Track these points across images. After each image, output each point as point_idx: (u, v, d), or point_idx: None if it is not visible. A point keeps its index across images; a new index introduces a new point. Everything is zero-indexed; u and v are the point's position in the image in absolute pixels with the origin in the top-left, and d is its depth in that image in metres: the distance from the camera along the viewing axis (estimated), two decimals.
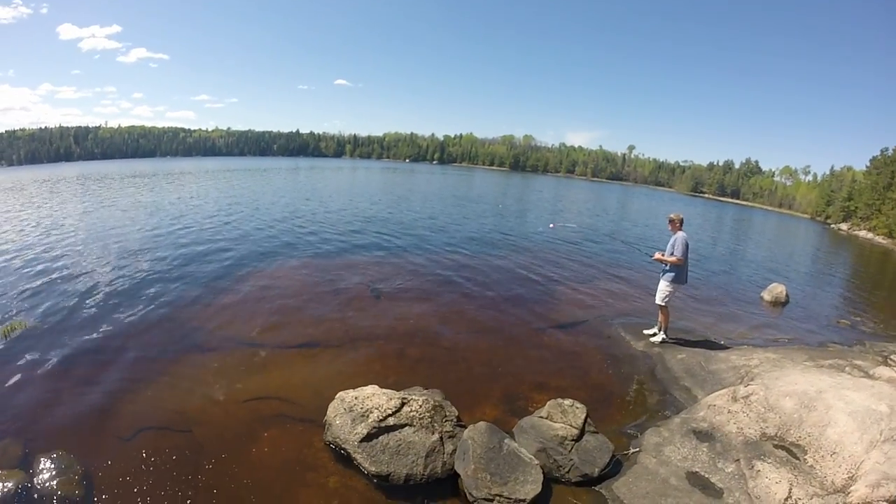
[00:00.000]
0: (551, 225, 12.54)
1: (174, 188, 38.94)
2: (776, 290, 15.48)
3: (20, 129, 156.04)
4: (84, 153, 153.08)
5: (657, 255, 9.72)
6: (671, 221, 9.64)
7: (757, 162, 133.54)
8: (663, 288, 9.58)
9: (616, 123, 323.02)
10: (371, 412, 5.80)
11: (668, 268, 9.55)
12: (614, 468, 5.89)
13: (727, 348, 9.80)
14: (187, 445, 5.71)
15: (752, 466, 5.76)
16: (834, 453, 5.76)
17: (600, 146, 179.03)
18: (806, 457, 5.89)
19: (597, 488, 5.64)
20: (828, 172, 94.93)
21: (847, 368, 8.68)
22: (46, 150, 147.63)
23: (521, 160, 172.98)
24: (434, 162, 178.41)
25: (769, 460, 5.82)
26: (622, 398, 7.83)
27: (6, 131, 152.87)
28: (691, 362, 8.95)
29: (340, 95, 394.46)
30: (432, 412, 6.03)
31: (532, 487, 5.25)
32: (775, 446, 6.13)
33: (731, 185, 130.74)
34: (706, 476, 5.75)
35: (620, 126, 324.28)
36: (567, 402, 6.43)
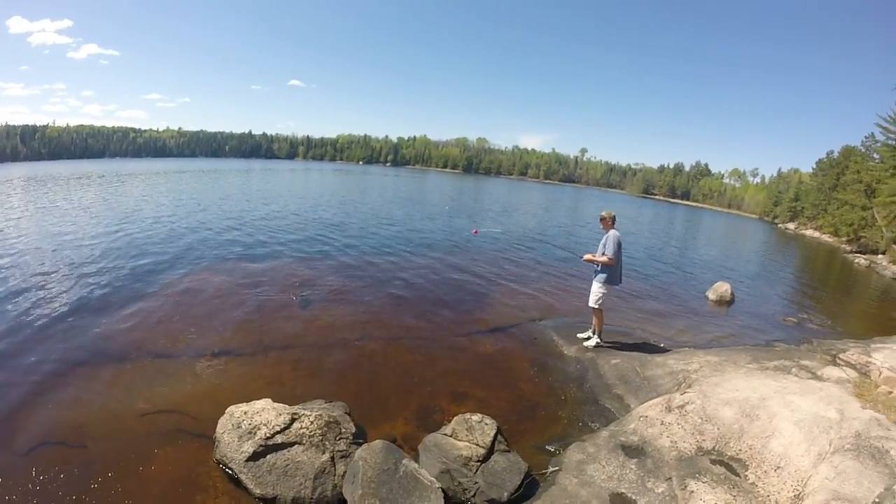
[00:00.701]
0: (474, 231, 11.69)
1: (119, 190, 37.14)
2: (721, 288, 15.12)
3: None
4: (31, 153, 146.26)
5: (587, 256, 9.08)
6: (602, 220, 8.99)
7: (707, 164, 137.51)
8: (596, 290, 8.90)
9: (569, 126, 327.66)
10: (259, 429, 5.27)
11: (599, 268, 8.89)
12: (528, 490, 5.15)
13: (666, 351, 9.18)
14: (80, 461, 5.32)
15: (686, 486, 5.03)
16: (778, 468, 5.10)
17: (553, 149, 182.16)
18: (747, 473, 5.20)
19: None
20: (775, 174, 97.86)
21: (794, 370, 8.14)
22: None
23: (475, 162, 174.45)
24: (387, 164, 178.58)
25: (705, 478, 5.12)
26: (548, 409, 7.05)
27: None
28: (625, 367, 8.24)
29: (294, 96, 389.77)
30: (324, 429, 5.44)
31: None
32: (713, 461, 5.43)
33: (681, 186, 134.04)
34: (633, 498, 4.98)
35: (573, 129, 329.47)
36: (475, 417, 5.65)
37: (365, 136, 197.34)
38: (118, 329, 8.92)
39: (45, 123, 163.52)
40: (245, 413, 5.50)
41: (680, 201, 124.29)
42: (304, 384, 7.23)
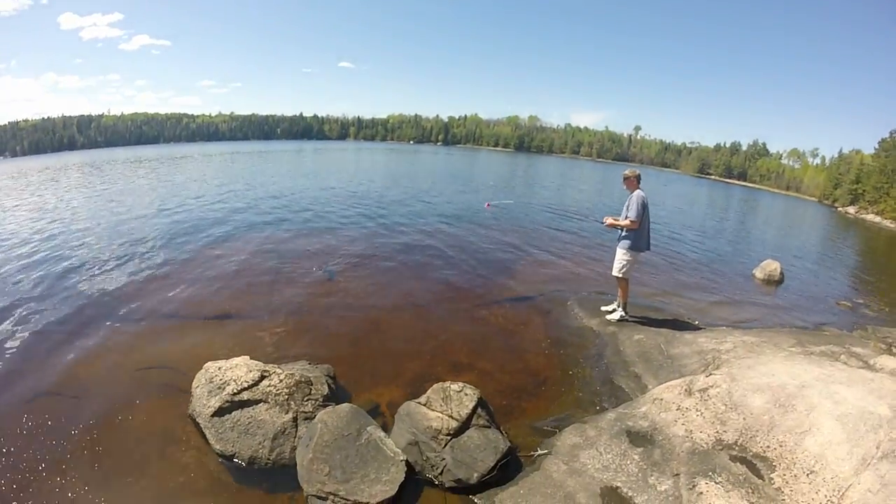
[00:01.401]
0: (486, 205, 11.17)
1: (171, 171, 38.85)
2: (769, 267, 14.02)
3: (23, 120, 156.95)
4: (88, 142, 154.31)
5: (609, 220, 8.29)
6: (626, 179, 8.21)
7: (764, 144, 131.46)
8: (620, 257, 8.15)
9: (622, 104, 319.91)
10: (227, 384, 5.15)
11: (623, 233, 8.13)
12: (505, 473, 4.59)
13: (698, 329, 8.39)
14: (70, 412, 5.51)
15: (694, 486, 4.30)
16: (811, 472, 4.24)
17: (606, 127, 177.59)
18: (772, 475, 4.36)
19: (473, 498, 4.39)
20: (836, 155, 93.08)
21: (842, 357, 7.22)
22: (50, 139, 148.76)
23: (526, 141, 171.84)
24: (438, 143, 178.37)
25: (720, 478, 4.34)
26: (554, 386, 6.44)
27: (9, 122, 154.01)
28: (649, 344, 7.50)
29: (345, 78, 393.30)
30: (292, 388, 5.22)
31: (382, 489, 4.10)
32: (733, 458, 4.63)
33: (737, 167, 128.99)
34: (628, 495, 4.32)
35: (626, 107, 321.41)
36: (454, 386, 5.13)
37: (416, 115, 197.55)
38: (140, 290, 9.33)
39: (101, 113, 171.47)
40: (219, 369, 5.37)
41: (736, 182, 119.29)
42: (298, 346, 7.09)
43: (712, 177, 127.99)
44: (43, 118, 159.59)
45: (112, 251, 12.19)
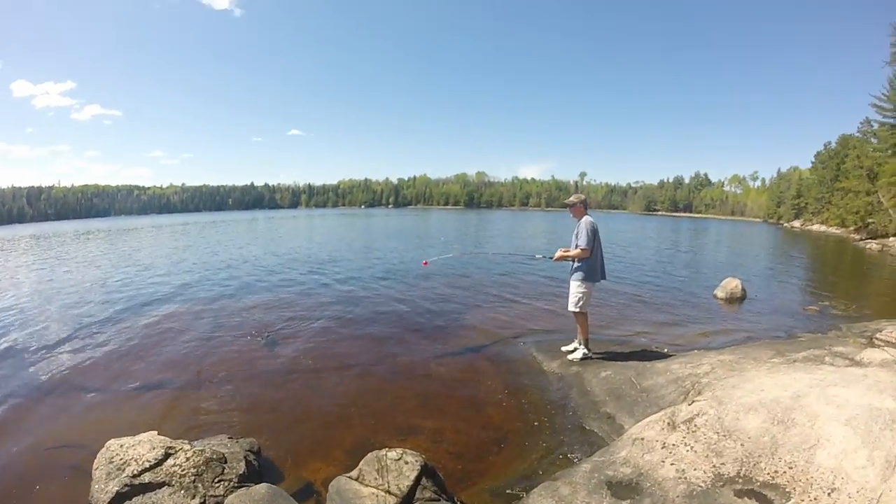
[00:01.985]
0: (424, 262, 10.46)
1: (120, 243, 37.25)
2: (730, 285, 13.71)
3: None
4: (37, 214, 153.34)
5: (559, 254, 7.63)
6: (572, 206, 7.61)
7: (706, 174, 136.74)
8: (574, 290, 7.42)
9: (566, 153, 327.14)
10: (128, 465, 4.25)
11: (575, 264, 7.45)
12: None
13: (669, 357, 7.65)
14: None
15: None
16: (833, 490, 3.47)
17: (552, 176, 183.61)
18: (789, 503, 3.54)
19: None
20: (775, 175, 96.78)
21: (827, 358, 6.73)
22: None
23: (476, 197, 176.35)
24: (390, 206, 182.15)
25: None
26: (517, 440, 5.50)
27: None
28: (618, 379, 6.69)
29: (294, 145, 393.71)
30: (202, 468, 4.32)
31: None
32: (738, 493, 3.79)
33: (683, 199, 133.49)
34: None
35: (570, 155, 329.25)
36: (392, 454, 4.19)
37: (366, 179, 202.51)
38: (67, 363, 8.50)
39: (51, 185, 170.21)
40: (121, 447, 4.45)
41: (683, 214, 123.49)
42: (221, 417, 6.18)
43: (659, 212, 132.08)
44: None
45: (47, 323, 11.37)
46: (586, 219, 7.36)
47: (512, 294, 13.86)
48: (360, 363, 8.10)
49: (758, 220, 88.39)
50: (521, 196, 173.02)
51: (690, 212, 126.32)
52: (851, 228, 43.07)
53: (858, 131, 50.18)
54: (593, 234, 7.25)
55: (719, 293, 13.57)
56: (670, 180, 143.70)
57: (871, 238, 35.65)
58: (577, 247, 7.26)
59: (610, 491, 4.17)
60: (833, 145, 60.49)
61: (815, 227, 56.08)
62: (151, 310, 12.30)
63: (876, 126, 42.64)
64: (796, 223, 65.15)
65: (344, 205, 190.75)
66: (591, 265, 7.35)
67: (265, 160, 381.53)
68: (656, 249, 28.34)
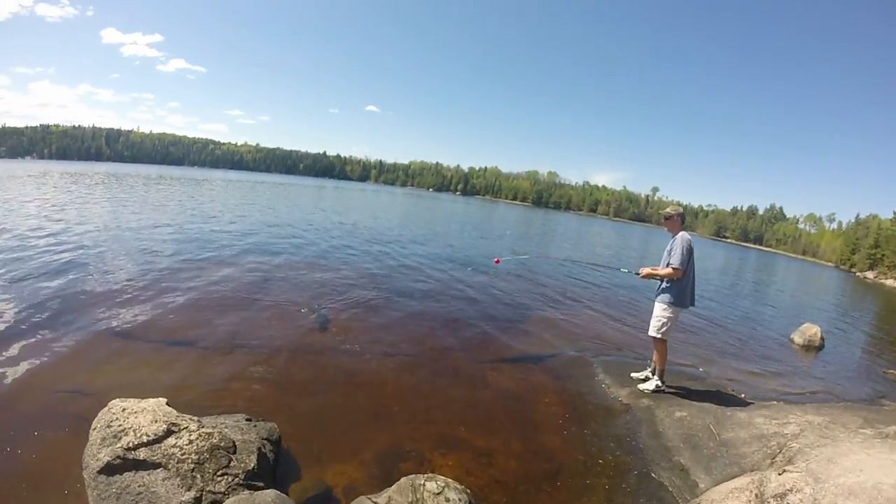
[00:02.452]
0: (496, 260, 9.61)
1: (191, 191, 38.59)
2: (809, 331, 12.49)
3: (54, 125, 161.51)
4: (114, 155, 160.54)
5: (646, 271, 6.84)
6: (668, 219, 6.80)
7: (781, 208, 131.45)
8: (659, 313, 6.64)
9: (640, 165, 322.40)
10: (125, 434, 3.66)
11: (664, 285, 6.65)
12: None
13: (748, 405, 6.77)
14: None
15: None
16: None
17: (624, 186, 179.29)
18: None
19: None
20: (853, 220, 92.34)
21: None
22: (77, 147, 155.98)
23: (545, 196, 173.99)
24: (457, 192, 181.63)
25: None
26: (575, 477, 4.82)
27: (40, 125, 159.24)
28: (695, 425, 5.91)
29: (369, 121, 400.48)
30: (204, 455, 3.68)
31: None
32: None
33: (754, 230, 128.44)
34: None
35: (644, 167, 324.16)
36: (432, 485, 3.52)
37: (436, 163, 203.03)
38: (104, 300, 8.37)
39: (130, 129, 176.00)
40: (122, 411, 3.86)
41: (752, 245, 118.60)
42: (243, 393, 5.63)
43: (728, 240, 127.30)
44: (74, 126, 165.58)
45: (100, 257, 11.53)
46: (683, 235, 6.56)
47: (580, 304, 13.05)
48: (408, 353, 7.54)
49: (829, 264, 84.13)
50: (591, 202, 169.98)
51: (761, 244, 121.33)
52: None
53: None
54: (689, 254, 6.46)
55: (797, 338, 12.42)
56: (744, 208, 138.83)
57: None
58: (668, 265, 6.46)
59: None
60: None
61: (890, 282, 52.89)
62: (204, 262, 12.15)
63: None
64: (870, 274, 61.59)
65: (412, 185, 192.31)
66: (682, 288, 6.56)
67: (339, 131, 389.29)
68: (725, 276, 26.86)
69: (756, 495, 4.24)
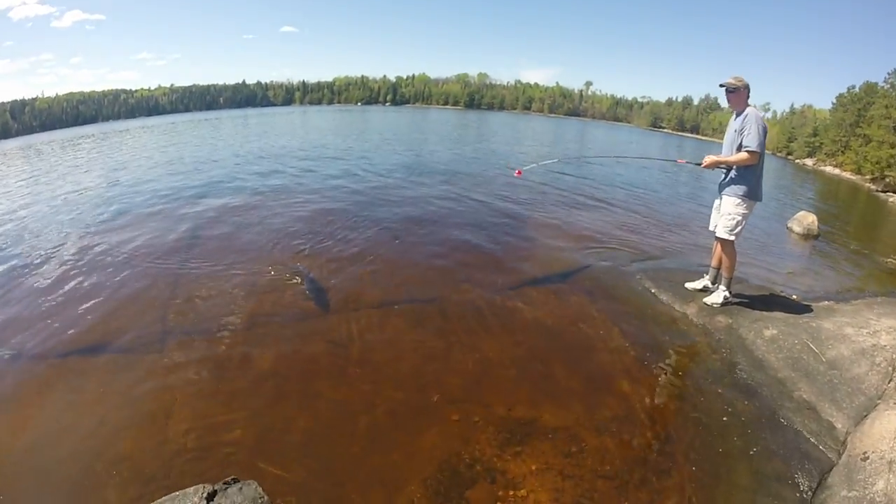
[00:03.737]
0: (517, 172, 7.52)
1: (111, 147, 32.78)
2: (806, 220, 11.83)
3: None
4: (23, 128, 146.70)
5: (711, 159, 5.41)
6: (732, 91, 5.27)
7: (716, 98, 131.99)
8: (731, 210, 5.32)
9: (572, 60, 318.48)
10: None
11: (732, 175, 5.31)
12: None
13: (812, 309, 5.70)
14: None
15: None
16: None
17: (557, 83, 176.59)
18: None
19: None
20: (787, 110, 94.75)
21: None
22: None
23: (476, 98, 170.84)
24: (387, 104, 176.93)
25: None
26: (695, 442, 3.57)
27: None
28: (792, 345, 4.77)
29: (288, 43, 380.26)
30: None
31: None
32: None
33: (690, 120, 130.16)
34: None
35: (576, 63, 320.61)
36: None
37: (362, 76, 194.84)
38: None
39: (34, 96, 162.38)
40: None
41: (689, 134, 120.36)
42: (207, 441, 3.46)
43: (665, 130, 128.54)
44: None
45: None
46: (755, 111, 5.14)
47: (589, 206, 11.63)
48: (419, 300, 5.80)
49: (766, 152, 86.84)
50: (524, 100, 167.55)
51: (697, 133, 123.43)
52: (868, 177, 41.43)
53: (885, 81, 48.07)
54: (765, 134, 5.15)
55: (795, 227, 11.70)
56: (679, 99, 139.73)
57: (887, 191, 34.54)
58: (743, 149, 5.13)
59: None
60: (857, 89, 57.66)
61: (829, 169, 54.66)
62: (122, 221, 9.33)
63: None
64: (809, 161, 63.79)
65: (339, 102, 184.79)
66: (758, 177, 5.27)
67: (257, 58, 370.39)
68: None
69: None
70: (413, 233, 8.39)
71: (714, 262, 5.81)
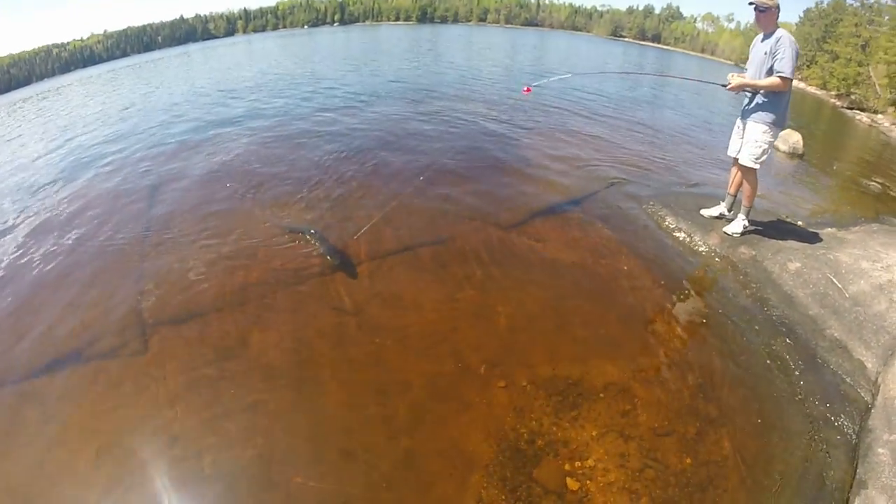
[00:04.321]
0: (526, 89, 6.71)
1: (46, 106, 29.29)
2: (792, 138, 11.72)
3: None
4: None
5: (738, 80, 5.05)
6: (763, 11, 4.88)
7: (678, 7, 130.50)
8: (757, 137, 5.04)
9: None
10: None
11: (759, 100, 5.01)
12: None
13: (821, 239, 5.61)
14: None
15: None
16: None
17: None
18: None
19: None
20: (752, 21, 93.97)
21: None
22: None
23: (429, 11, 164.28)
24: (335, 24, 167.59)
25: None
26: (739, 388, 3.49)
27: None
28: (816, 280, 4.70)
29: None
30: None
31: None
32: None
33: (651, 29, 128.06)
34: None
35: None
36: None
37: None
38: None
39: None
40: None
41: (651, 44, 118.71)
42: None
43: (626, 39, 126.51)
44: None
45: None
46: (788, 35, 4.82)
47: (593, 124, 11.06)
48: (427, 243, 5.22)
49: (729, 62, 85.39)
50: (479, 11, 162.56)
51: (659, 42, 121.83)
52: (833, 93, 41.82)
53: None
54: (797, 58, 4.87)
55: (780, 145, 11.57)
56: (640, 8, 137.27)
57: (851, 108, 34.97)
58: (774, 73, 4.85)
59: None
60: (825, 4, 57.72)
61: (793, 82, 55.26)
62: (72, 189, 7.64)
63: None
64: None
65: (285, 27, 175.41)
66: (786, 103, 5.03)
67: None
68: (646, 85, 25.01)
69: None
70: (397, 163, 7.56)
71: (732, 189, 5.65)
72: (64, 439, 3.05)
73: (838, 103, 38.39)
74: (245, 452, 2.90)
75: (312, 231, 5.24)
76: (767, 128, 4.97)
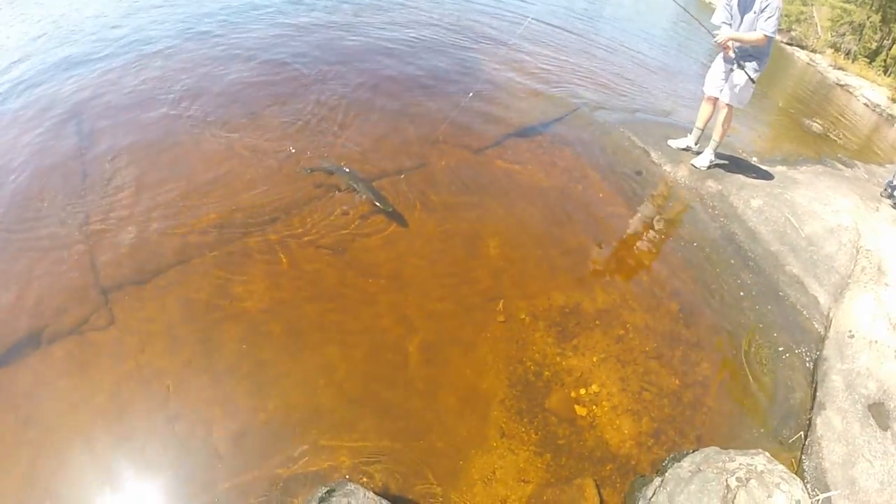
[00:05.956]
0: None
1: None
2: None
3: None
4: None
5: (728, 34, 5.05)
6: None
7: None
8: (744, 83, 5.18)
9: None
10: None
11: (751, 49, 5.13)
12: None
13: (773, 176, 5.87)
14: None
15: None
16: None
17: None
18: None
19: None
20: None
21: None
22: None
23: None
24: None
25: None
26: (716, 319, 3.74)
27: None
28: (777, 218, 4.97)
29: None
30: None
31: None
32: None
33: None
34: None
35: None
36: None
37: None
38: None
39: None
40: None
41: None
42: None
43: None
44: None
45: None
46: None
47: (536, 43, 9.37)
48: (401, 171, 4.59)
49: None
50: None
51: None
52: None
53: None
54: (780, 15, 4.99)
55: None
56: None
57: (794, 45, 35.74)
58: (760, 31, 4.89)
59: (876, 421, 3.16)
60: None
61: None
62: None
63: None
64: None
65: None
66: (768, 54, 5.24)
67: None
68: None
69: (891, 323, 3.84)
70: (344, 76, 6.06)
71: (700, 124, 5.76)
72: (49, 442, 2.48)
73: (778, 37, 39.23)
74: (256, 417, 2.61)
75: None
76: (753, 75, 5.12)
